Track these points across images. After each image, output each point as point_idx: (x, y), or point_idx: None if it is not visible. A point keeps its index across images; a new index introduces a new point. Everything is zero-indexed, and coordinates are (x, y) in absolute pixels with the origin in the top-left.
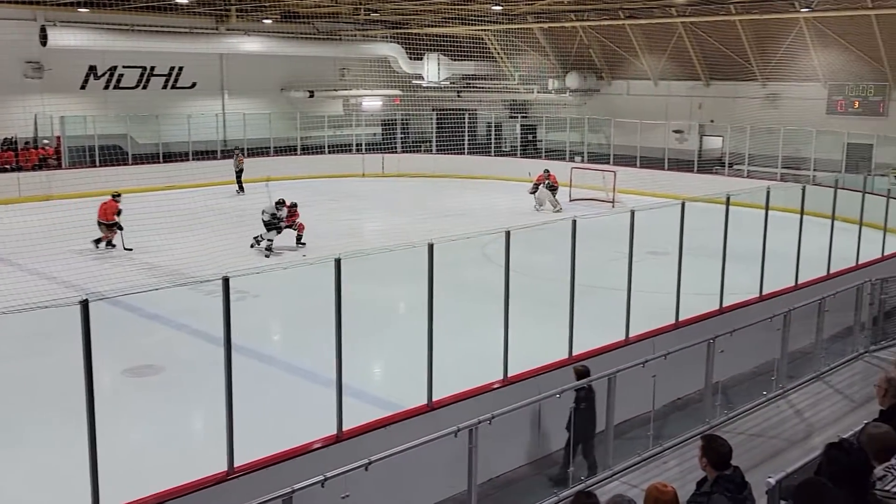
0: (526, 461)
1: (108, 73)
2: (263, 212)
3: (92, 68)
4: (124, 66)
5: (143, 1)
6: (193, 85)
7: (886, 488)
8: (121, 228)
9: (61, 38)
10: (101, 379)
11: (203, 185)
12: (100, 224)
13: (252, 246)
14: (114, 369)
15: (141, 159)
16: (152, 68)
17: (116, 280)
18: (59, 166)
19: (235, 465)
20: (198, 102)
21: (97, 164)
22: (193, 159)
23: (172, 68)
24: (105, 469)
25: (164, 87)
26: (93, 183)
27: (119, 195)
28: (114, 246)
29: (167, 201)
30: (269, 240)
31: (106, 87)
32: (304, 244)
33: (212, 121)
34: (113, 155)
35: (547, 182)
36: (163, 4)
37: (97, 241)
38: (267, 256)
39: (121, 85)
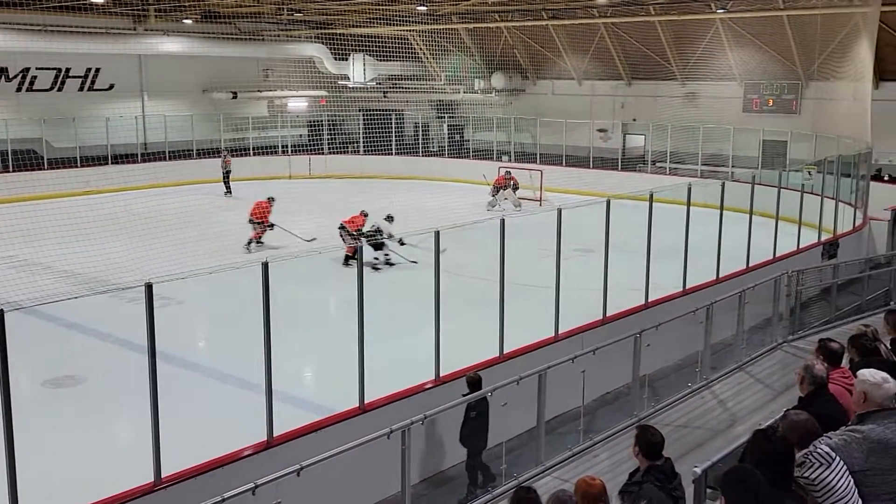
0: (459, 460)
1: (21, 74)
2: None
3: (3, 70)
4: (38, 68)
5: (56, 1)
6: (111, 87)
7: (805, 475)
8: (271, 227)
9: None
10: (19, 391)
11: (123, 189)
12: (251, 222)
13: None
14: (33, 381)
15: (57, 164)
16: (67, 70)
17: (33, 289)
18: None
19: (163, 475)
20: (116, 105)
21: (10, 169)
22: (113, 163)
23: (89, 70)
24: (25, 485)
25: (81, 89)
26: (6, 189)
27: (273, 199)
28: (262, 243)
29: (86, 207)
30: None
31: (18, 90)
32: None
33: (131, 123)
34: (27, 160)
35: (511, 183)
36: (77, 4)
37: (249, 242)
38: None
39: (34, 87)
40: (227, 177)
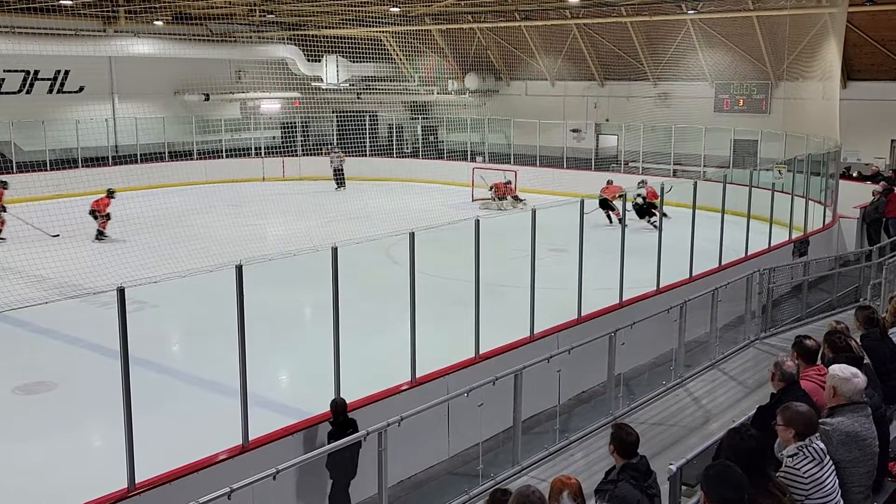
0: (436, 461)
1: None
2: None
3: None
4: (6, 71)
5: (24, 2)
6: (81, 89)
7: (797, 466)
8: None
9: None
10: None
11: (94, 192)
12: (604, 201)
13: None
14: (3, 387)
15: (27, 167)
16: (36, 72)
17: (3, 294)
18: None
19: (137, 481)
20: (86, 107)
21: None
22: (83, 166)
23: (58, 72)
24: None
25: (50, 91)
26: None
27: (611, 181)
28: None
29: (56, 210)
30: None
31: None
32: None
33: (102, 126)
34: None
35: (510, 192)
36: (46, 6)
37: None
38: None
39: (2, 90)
40: (339, 172)
